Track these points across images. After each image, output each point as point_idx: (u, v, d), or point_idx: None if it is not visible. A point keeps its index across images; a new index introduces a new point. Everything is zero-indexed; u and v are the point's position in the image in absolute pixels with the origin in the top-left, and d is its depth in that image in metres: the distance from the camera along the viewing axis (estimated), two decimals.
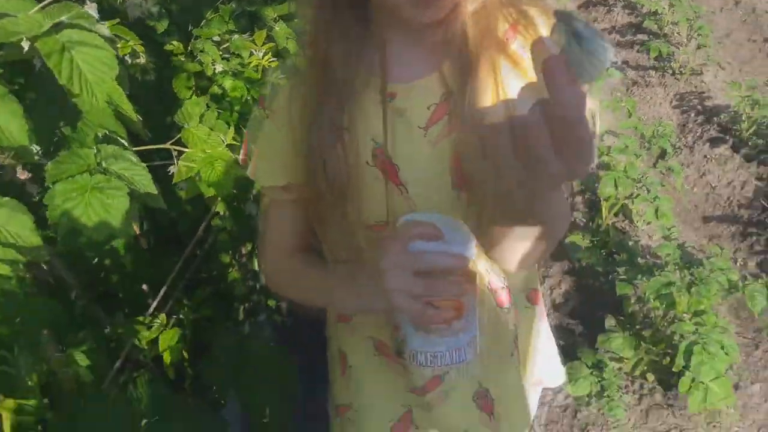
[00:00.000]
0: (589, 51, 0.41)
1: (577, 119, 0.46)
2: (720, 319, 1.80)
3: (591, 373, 2.07)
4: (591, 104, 0.70)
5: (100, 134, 1.12)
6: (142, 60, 1.36)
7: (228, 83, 1.56)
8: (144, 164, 1.08)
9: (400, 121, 0.80)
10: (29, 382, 0.82)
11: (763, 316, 2.57)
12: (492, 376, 0.95)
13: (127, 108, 1.17)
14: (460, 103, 0.77)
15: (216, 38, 1.65)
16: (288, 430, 1.24)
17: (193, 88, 1.55)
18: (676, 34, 4.41)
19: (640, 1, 4.56)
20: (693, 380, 1.85)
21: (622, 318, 2.22)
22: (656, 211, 2.49)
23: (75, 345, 1.05)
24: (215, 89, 1.59)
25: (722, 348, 1.69)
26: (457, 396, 0.94)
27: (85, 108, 1.10)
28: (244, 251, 1.74)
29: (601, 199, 2.68)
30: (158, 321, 1.18)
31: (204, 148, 1.26)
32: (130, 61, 1.33)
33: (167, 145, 1.20)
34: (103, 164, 1.04)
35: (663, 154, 3.52)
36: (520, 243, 0.80)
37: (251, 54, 1.64)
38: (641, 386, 2.24)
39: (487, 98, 0.76)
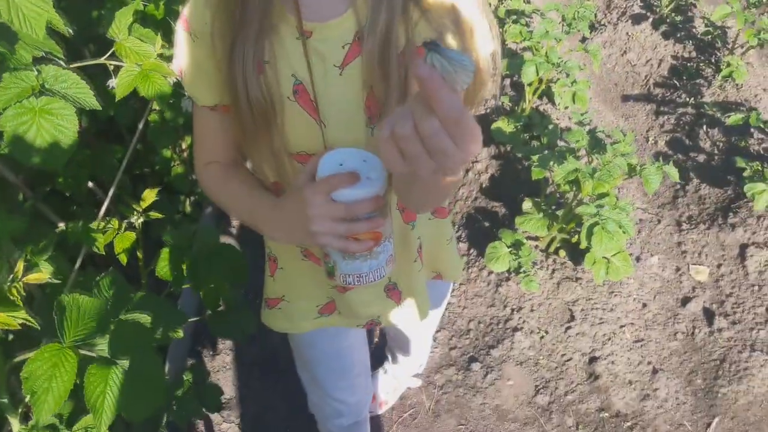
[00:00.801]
0: (456, 66, 0.53)
1: (461, 116, 0.54)
2: (620, 201, 2.10)
3: (510, 252, 2.37)
4: (494, 46, 0.88)
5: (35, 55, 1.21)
6: None
7: None
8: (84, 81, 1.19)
9: (317, 59, 0.88)
10: (9, 296, 0.97)
11: (667, 194, 2.95)
12: (400, 274, 1.17)
13: (58, 23, 1.25)
14: (370, 42, 0.84)
15: None
16: (242, 317, 1.45)
17: None
18: None
19: None
20: (596, 256, 2.18)
21: (538, 200, 2.51)
22: (573, 95, 2.72)
23: (38, 253, 1.21)
24: None
25: (620, 227, 1.99)
26: (371, 289, 1.18)
27: (20, 31, 1.18)
28: (184, 146, 1.86)
29: (525, 84, 2.87)
30: (111, 226, 1.33)
31: (137, 61, 1.36)
32: None
33: (103, 60, 1.30)
34: (46, 85, 1.15)
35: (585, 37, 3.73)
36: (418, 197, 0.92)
37: None
38: (554, 261, 2.59)
39: (397, 40, 0.84)
